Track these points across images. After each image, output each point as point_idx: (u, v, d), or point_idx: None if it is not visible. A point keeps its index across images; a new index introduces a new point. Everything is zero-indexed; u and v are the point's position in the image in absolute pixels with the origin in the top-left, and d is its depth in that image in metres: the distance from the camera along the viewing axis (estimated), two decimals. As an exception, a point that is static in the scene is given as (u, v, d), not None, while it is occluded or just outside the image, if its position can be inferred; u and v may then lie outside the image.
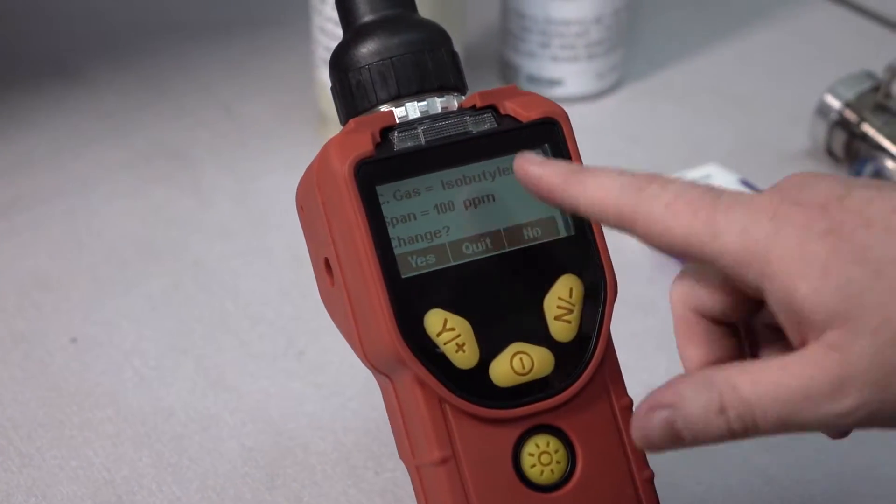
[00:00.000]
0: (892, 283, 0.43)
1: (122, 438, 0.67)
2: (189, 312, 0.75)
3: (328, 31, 0.85)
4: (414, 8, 0.52)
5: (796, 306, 0.44)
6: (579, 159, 0.50)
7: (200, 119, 0.91)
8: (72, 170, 0.86)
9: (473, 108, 0.50)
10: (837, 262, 0.43)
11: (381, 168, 0.48)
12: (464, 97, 0.52)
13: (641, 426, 0.46)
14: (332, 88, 0.52)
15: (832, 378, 0.43)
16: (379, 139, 0.49)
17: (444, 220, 0.49)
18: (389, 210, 0.48)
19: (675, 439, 0.46)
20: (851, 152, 0.86)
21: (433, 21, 0.52)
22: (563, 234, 0.50)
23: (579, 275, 0.50)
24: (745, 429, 0.44)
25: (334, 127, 0.53)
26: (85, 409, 0.69)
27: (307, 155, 0.52)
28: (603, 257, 0.50)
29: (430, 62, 0.51)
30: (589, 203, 0.47)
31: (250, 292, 0.76)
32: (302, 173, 0.52)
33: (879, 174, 0.82)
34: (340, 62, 0.52)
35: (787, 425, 0.45)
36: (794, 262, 0.43)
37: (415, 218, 0.49)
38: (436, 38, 0.51)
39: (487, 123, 0.50)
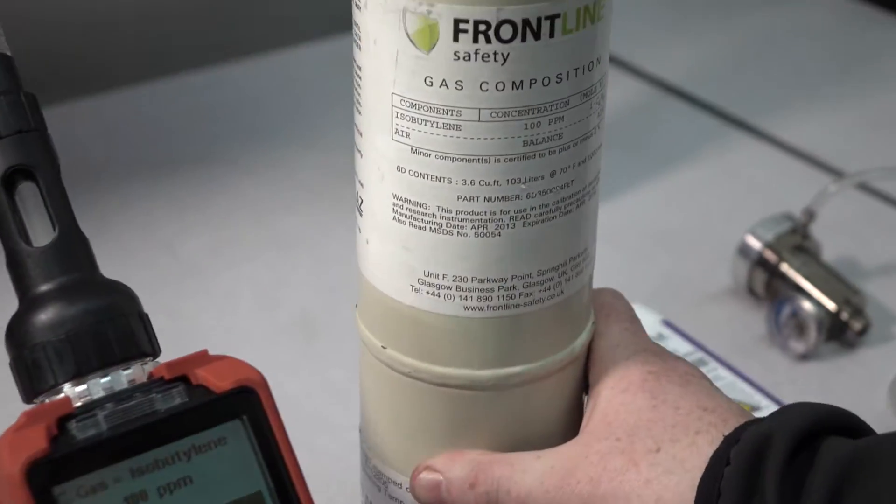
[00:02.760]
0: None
1: None
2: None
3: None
4: (95, 269, 0.49)
5: None
6: (282, 428, 0.47)
7: (141, 258, 0.92)
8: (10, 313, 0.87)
9: (162, 380, 0.47)
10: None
11: (59, 466, 0.44)
12: (157, 360, 0.48)
13: (415, 483, 0.55)
14: (10, 365, 0.48)
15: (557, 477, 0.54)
16: (56, 431, 0.45)
17: None
18: None
19: (439, 499, 0.55)
20: (771, 291, 0.89)
21: (118, 282, 0.49)
22: None
23: None
24: (489, 502, 0.54)
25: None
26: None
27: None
28: None
29: (111, 332, 0.47)
30: None
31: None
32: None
33: (796, 314, 0.85)
34: (15, 337, 0.48)
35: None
36: None
37: None
38: (119, 303, 0.48)
39: (178, 398, 0.46)
